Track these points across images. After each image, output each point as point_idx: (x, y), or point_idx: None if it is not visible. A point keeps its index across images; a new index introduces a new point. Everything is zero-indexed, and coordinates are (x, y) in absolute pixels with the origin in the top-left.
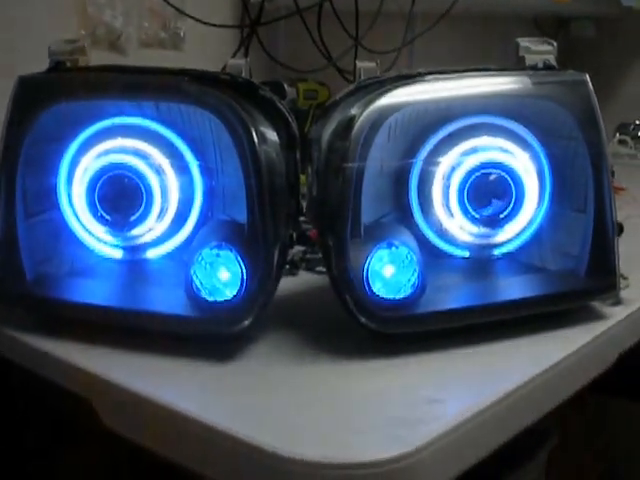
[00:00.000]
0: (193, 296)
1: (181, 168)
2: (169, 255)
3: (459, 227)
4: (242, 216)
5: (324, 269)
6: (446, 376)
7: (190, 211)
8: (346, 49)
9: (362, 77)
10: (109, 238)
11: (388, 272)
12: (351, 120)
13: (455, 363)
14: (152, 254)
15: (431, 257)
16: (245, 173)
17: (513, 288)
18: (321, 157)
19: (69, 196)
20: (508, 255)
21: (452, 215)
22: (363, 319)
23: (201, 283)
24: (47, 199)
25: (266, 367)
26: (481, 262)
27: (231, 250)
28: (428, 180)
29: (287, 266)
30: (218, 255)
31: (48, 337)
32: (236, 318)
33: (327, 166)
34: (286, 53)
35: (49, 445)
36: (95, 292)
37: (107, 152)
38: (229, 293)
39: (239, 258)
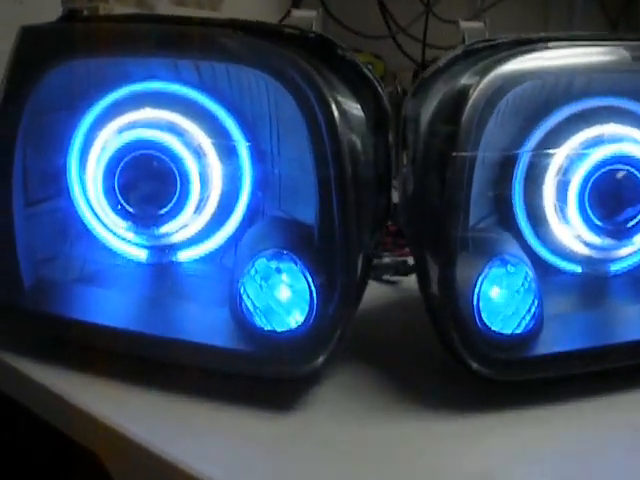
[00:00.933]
0: (242, 321)
1: (226, 149)
2: (205, 258)
3: (575, 236)
4: (305, 214)
5: (393, 277)
6: (584, 444)
7: (235, 204)
8: (415, 16)
9: (467, 40)
10: (131, 235)
11: (501, 299)
12: (463, 93)
13: (587, 420)
14: (185, 256)
15: (535, 270)
16: (319, 160)
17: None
18: (420, 142)
19: (81, 180)
20: (627, 272)
21: (567, 221)
22: (475, 364)
23: (254, 304)
24: (53, 183)
25: (334, 424)
26: (594, 279)
27: (296, 262)
28: (538, 176)
29: None
30: (278, 270)
31: (46, 365)
32: (303, 356)
33: (428, 155)
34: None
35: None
36: (111, 308)
37: (132, 126)
38: (293, 321)
39: (307, 274)
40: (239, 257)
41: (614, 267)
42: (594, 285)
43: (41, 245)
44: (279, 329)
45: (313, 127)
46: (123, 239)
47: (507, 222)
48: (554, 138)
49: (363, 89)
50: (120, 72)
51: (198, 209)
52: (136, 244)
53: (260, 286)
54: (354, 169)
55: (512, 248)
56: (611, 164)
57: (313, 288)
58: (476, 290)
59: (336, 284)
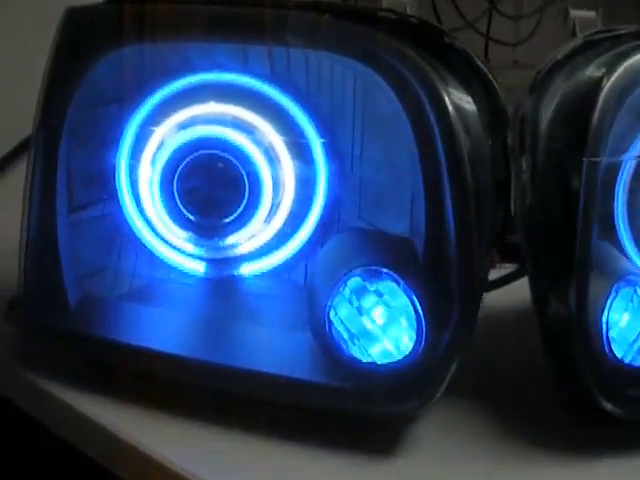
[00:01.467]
0: (331, 351)
1: (300, 149)
2: (271, 273)
3: None
4: (392, 226)
5: None
6: None
7: (307, 213)
8: (481, 12)
9: (578, 31)
10: (190, 247)
11: (628, 325)
12: (591, 88)
13: None
14: (248, 270)
15: None
16: (429, 166)
17: None
18: (539, 146)
19: (132, 183)
20: None
21: None
22: (609, 405)
23: (348, 331)
24: (99, 186)
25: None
26: None
27: (398, 283)
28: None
29: None
30: (378, 292)
31: (95, 396)
32: (413, 392)
33: (550, 160)
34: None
35: None
36: (165, 331)
37: (194, 122)
38: (397, 351)
39: (413, 296)
40: (321, 275)
41: None
42: None
43: (86, 256)
44: (380, 361)
45: (423, 129)
46: (178, 250)
47: (608, 234)
48: None
49: (476, 83)
50: (179, 60)
51: (269, 217)
52: (193, 256)
53: (356, 310)
54: (475, 178)
55: (628, 266)
56: None
57: (421, 313)
58: (605, 316)
59: (451, 308)
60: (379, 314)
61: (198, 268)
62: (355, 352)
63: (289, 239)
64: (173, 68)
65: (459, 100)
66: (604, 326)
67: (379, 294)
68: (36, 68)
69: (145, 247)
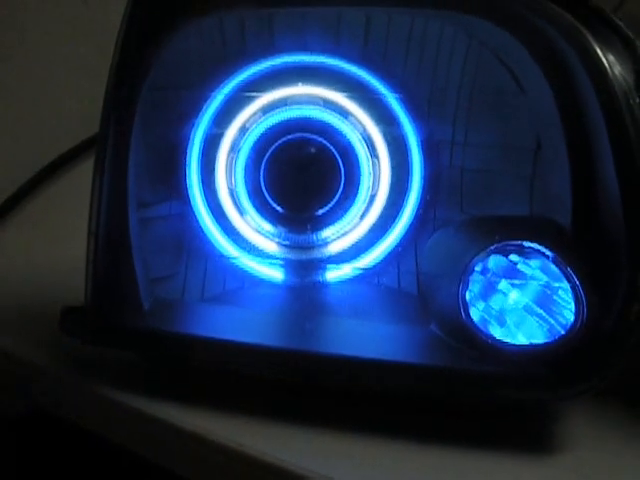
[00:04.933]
0: (469, 335)
1: (394, 138)
2: (359, 278)
3: None
4: (509, 211)
5: None
6: None
7: (401, 209)
8: None
9: None
10: (272, 245)
11: None
12: None
13: None
14: (334, 275)
15: None
16: (571, 133)
17: None
18: None
19: (203, 178)
20: None
21: None
22: None
23: (494, 314)
24: (170, 181)
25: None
26: None
27: (546, 255)
28: None
29: None
30: (525, 262)
31: (181, 404)
32: (579, 374)
33: None
34: None
35: None
36: (249, 325)
37: (280, 104)
38: (554, 329)
39: (569, 269)
40: (442, 261)
41: None
42: None
43: (157, 259)
44: (532, 341)
45: (566, 83)
46: (256, 255)
47: None
48: None
49: (617, 44)
50: (263, 39)
51: (367, 209)
52: (272, 259)
53: (499, 289)
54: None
55: None
56: None
57: (579, 285)
58: None
59: (619, 277)
60: (531, 291)
61: (277, 275)
62: (501, 335)
63: (379, 239)
64: (257, 46)
65: (611, 58)
66: None
67: (527, 268)
68: None
69: (217, 252)
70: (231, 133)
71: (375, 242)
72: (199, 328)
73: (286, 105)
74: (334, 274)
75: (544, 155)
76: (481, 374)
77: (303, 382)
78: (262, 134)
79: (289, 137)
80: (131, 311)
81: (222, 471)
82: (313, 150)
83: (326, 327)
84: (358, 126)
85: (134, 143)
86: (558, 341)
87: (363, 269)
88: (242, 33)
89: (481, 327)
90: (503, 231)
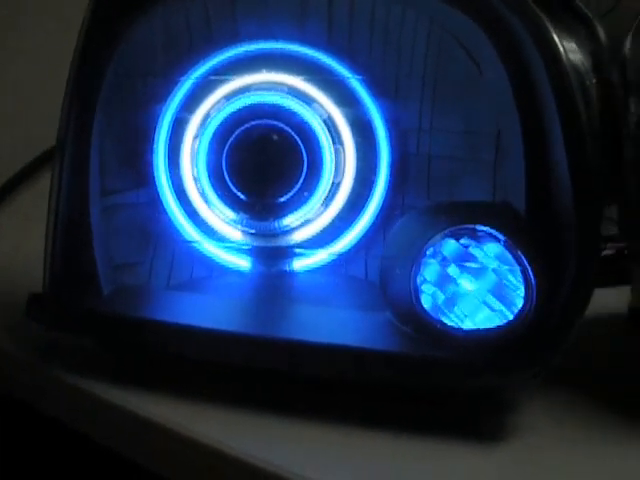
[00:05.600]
0: (420, 321)
1: (360, 124)
2: (326, 268)
3: None
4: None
5: None
6: None
7: (368, 197)
8: None
9: None
10: (238, 234)
11: None
12: None
13: None
14: (301, 265)
15: None
16: (527, 115)
17: None
18: None
19: (172, 166)
20: None
21: None
22: None
23: (443, 298)
24: (137, 170)
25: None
26: None
27: (497, 239)
28: None
29: None
30: (478, 248)
31: (135, 389)
32: (523, 361)
33: None
34: None
35: None
36: (211, 311)
37: (243, 91)
38: (504, 314)
39: (520, 255)
40: (398, 246)
41: None
42: None
43: (119, 246)
44: (481, 326)
45: (519, 64)
46: (223, 242)
47: None
48: None
49: (576, 26)
50: (228, 26)
51: (328, 199)
52: (239, 248)
53: (449, 273)
54: (587, 117)
55: None
56: None
57: (530, 270)
58: None
59: (567, 263)
60: (481, 276)
61: (244, 263)
62: (452, 320)
63: (347, 228)
64: (221, 36)
65: (565, 39)
66: None
67: (477, 253)
68: None
69: (184, 240)
70: (196, 120)
71: (342, 230)
72: (161, 314)
73: (249, 92)
74: (301, 263)
75: (503, 140)
76: (429, 360)
77: (262, 368)
78: (224, 121)
79: (251, 124)
80: (89, 296)
81: (177, 459)
82: (275, 137)
83: (288, 314)
84: (322, 113)
85: (98, 130)
86: (506, 326)
87: (330, 257)
88: (207, 20)
89: (431, 312)
90: (456, 215)
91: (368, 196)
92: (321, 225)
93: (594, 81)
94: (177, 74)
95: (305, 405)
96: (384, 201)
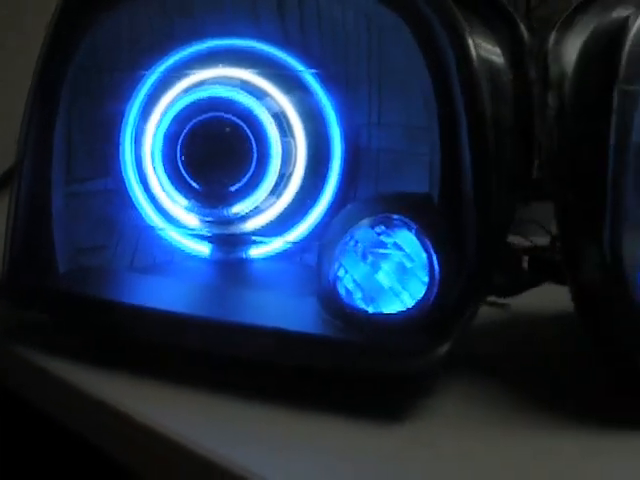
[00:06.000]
0: (338, 306)
1: (313, 119)
2: (282, 256)
3: None
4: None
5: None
6: None
7: (321, 189)
8: None
9: None
10: (195, 222)
11: None
12: (624, 22)
13: None
14: (257, 252)
15: None
16: (443, 108)
17: None
18: (566, 81)
19: (137, 158)
20: None
21: None
22: None
23: (354, 282)
24: (104, 159)
25: (453, 438)
26: None
27: (410, 228)
28: None
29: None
30: (387, 237)
31: (77, 365)
32: (421, 344)
33: (579, 94)
34: None
35: None
36: (163, 293)
37: (200, 84)
38: (406, 301)
39: (427, 241)
40: (330, 237)
41: None
42: None
43: (83, 232)
44: (387, 311)
45: (439, 70)
46: (184, 227)
47: None
48: None
49: (498, 19)
50: (189, 26)
51: (276, 189)
52: (199, 236)
53: (363, 260)
54: (491, 110)
55: None
56: None
57: (434, 258)
58: None
59: (465, 253)
60: (389, 264)
61: (204, 250)
62: (361, 304)
63: (301, 217)
64: (182, 33)
65: (481, 37)
66: None
67: (388, 241)
68: None
69: (148, 226)
70: (157, 113)
71: (296, 220)
72: (117, 294)
73: (204, 85)
74: (258, 250)
75: (433, 134)
76: (337, 342)
77: (211, 350)
78: (179, 113)
79: (204, 116)
80: (45, 274)
81: (125, 440)
82: (227, 129)
83: (238, 299)
84: (274, 107)
85: (62, 120)
86: (408, 311)
87: (285, 246)
88: (169, 17)
89: (345, 297)
90: (378, 205)
91: (321, 187)
92: (273, 214)
93: (511, 77)
94: (141, 69)
95: (243, 386)
96: (337, 192)
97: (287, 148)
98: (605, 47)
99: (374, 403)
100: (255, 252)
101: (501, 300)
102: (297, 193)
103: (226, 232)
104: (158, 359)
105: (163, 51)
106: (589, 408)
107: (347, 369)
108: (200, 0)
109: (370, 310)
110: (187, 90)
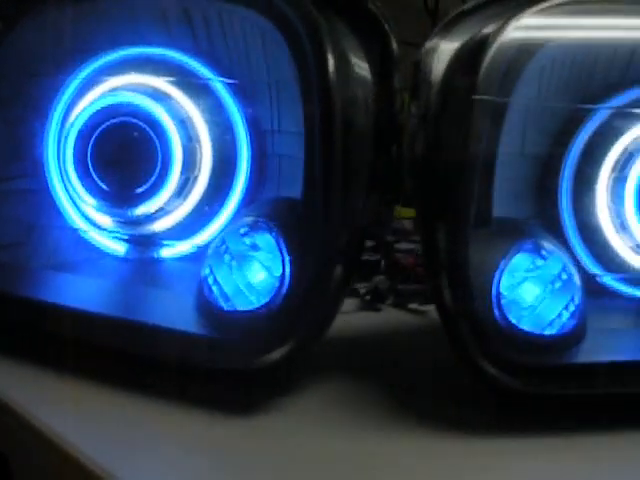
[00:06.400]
0: (204, 304)
1: (220, 125)
2: (193, 257)
3: (634, 247)
4: None
5: (420, 306)
6: None
7: (229, 193)
8: None
9: None
10: (106, 221)
11: (531, 292)
12: (486, 38)
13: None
14: (169, 253)
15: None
16: (306, 111)
17: None
18: (433, 91)
19: (59, 159)
20: None
21: (624, 228)
22: (492, 369)
23: (216, 282)
24: (26, 160)
25: (298, 434)
26: None
27: (271, 231)
28: (591, 172)
29: (367, 297)
30: (253, 245)
31: None
32: (262, 343)
33: (442, 104)
34: None
35: None
36: (76, 292)
37: (112, 91)
38: (256, 300)
39: (282, 243)
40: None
41: None
42: None
43: (2, 228)
44: (241, 309)
45: (302, 72)
46: (101, 229)
47: (553, 231)
48: (615, 125)
49: (366, 28)
50: (107, 33)
51: (182, 192)
52: (116, 236)
53: (225, 260)
54: (347, 123)
55: (551, 243)
56: None
57: (287, 262)
58: (496, 277)
59: (311, 256)
60: (254, 269)
61: (119, 249)
62: (221, 302)
63: (209, 220)
64: (100, 42)
65: (346, 47)
66: (495, 286)
67: (254, 244)
68: None
69: (69, 226)
70: (74, 116)
71: (204, 223)
72: (31, 291)
73: (116, 92)
74: (170, 251)
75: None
76: (192, 338)
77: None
78: (90, 118)
79: (113, 121)
80: None
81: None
82: (135, 134)
83: (143, 298)
84: (181, 113)
85: None
86: (256, 310)
87: (194, 248)
88: (87, 26)
89: (206, 295)
90: (256, 209)
91: (227, 192)
92: (181, 215)
93: (375, 86)
94: (63, 75)
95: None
96: (244, 196)
97: (191, 152)
98: (467, 61)
99: (229, 398)
100: (167, 252)
101: (422, 307)
102: (203, 196)
103: (137, 233)
104: (62, 354)
105: (84, 58)
106: (442, 415)
107: (199, 364)
108: (115, 10)
109: (225, 307)
110: (101, 96)
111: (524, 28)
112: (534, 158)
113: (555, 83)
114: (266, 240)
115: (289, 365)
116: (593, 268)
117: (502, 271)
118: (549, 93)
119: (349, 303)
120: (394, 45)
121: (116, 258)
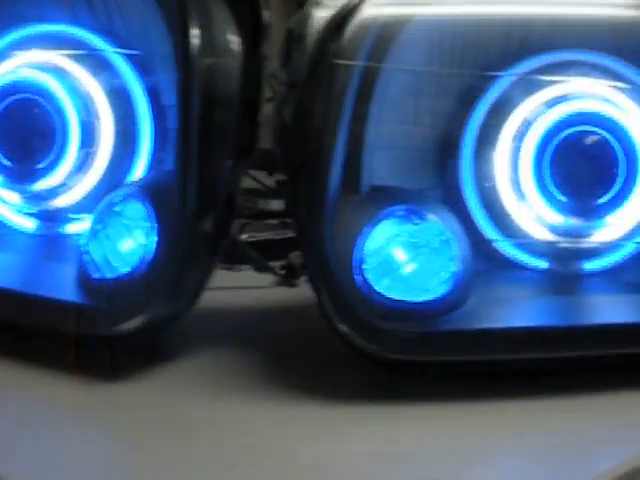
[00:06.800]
0: (79, 272)
1: (121, 101)
2: None
3: (534, 218)
4: None
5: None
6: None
7: (131, 168)
8: None
9: None
10: (14, 197)
11: (403, 259)
12: (354, 5)
13: (504, 425)
14: (75, 229)
15: (489, 266)
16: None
17: (612, 310)
18: (304, 60)
19: None
20: (607, 271)
21: (523, 197)
22: (350, 332)
23: (88, 252)
24: None
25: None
26: (565, 278)
27: (143, 201)
28: (489, 142)
29: (282, 271)
30: (123, 214)
31: None
32: (124, 309)
33: (313, 71)
34: None
35: None
36: None
37: (15, 68)
38: (122, 268)
39: (152, 213)
40: None
41: (590, 264)
42: (565, 283)
43: None
44: (108, 276)
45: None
46: (9, 204)
47: (454, 201)
48: (512, 96)
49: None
50: (9, 12)
51: (82, 166)
52: (24, 212)
53: (107, 236)
54: (210, 91)
55: (439, 211)
56: (576, 125)
57: (153, 229)
58: (360, 241)
59: (172, 221)
60: (125, 239)
61: (29, 225)
62: (92, 270)
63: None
64: (6, 19)
65: (215, 17)
66: (355, 251)
67: (124, 211)
68: None
69: None
70: None
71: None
72: None
73: (20, 68)
74: (76, 227)
75: None
76: (69, 308)
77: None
78: None
79: (15, 98)
80: None
81: None
82: (36, 111)
83: (46, 272)
84: (79, 88)
85: None
86: (122, 277)
87: None
88: None
89: (82, 265)
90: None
91: (130, 166)
92: (83, 190)
93: (243, 54)
94: None
95: None
96: (147, 171)
97: (89, 127)
98: (335, 27)
99: (99, 365)
100: (74, 228)
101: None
102: (106, 170)
103: (43, 208)
104: None
105: None
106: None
107: (68, 331)
108: None
109: (94, 275)
110: (2, 74)
111: None
112: (431, 128)
113: (448, 54)
114: (136, 209)
115: (152, 332)
116: (496, 239)
117: (365, 236)
118: (443, 64)
119: (265, 278)
120: (265, 14)
121: (26, 234)
